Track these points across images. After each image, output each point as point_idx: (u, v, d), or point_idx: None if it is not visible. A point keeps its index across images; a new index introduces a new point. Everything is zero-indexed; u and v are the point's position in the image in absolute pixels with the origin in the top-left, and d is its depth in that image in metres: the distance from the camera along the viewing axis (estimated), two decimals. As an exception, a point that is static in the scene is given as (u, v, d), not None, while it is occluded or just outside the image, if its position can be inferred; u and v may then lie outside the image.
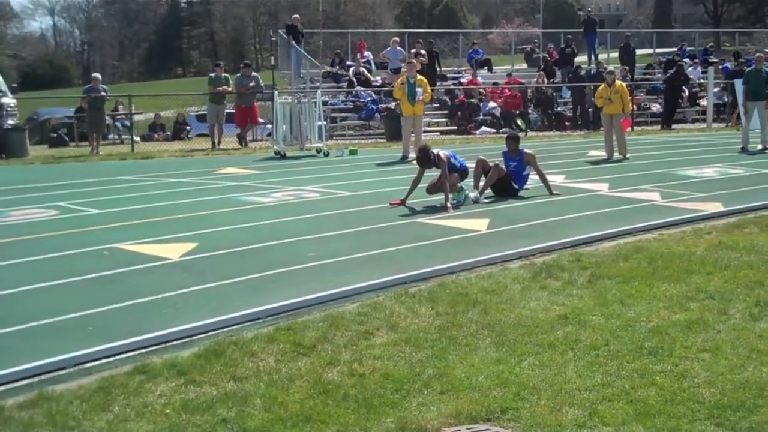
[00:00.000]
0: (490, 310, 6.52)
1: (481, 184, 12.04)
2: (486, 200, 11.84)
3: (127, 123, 25.38)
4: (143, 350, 5.86)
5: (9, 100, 21.98)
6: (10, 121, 21.22)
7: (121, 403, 4.94)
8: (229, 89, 22.33)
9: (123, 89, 46.37)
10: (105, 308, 6.74)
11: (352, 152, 18.89)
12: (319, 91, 21.07)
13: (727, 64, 30.74)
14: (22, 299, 7.14)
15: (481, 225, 10.00)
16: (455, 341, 5.87)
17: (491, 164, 12.15)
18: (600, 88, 17.99)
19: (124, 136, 25.54)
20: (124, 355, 5.76)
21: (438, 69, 29.16)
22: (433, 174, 11.81)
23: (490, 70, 32.56)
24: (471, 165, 12.20)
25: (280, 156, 18.23)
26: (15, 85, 25.56)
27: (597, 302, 6.69)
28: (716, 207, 10.93)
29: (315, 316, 6.55)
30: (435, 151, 11.70)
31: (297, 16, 30.20)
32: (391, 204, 11.38)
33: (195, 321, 6.36)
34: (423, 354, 5.64)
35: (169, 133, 28.51)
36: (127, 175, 15.48)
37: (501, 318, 6.34)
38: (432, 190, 11.70)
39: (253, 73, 23.00)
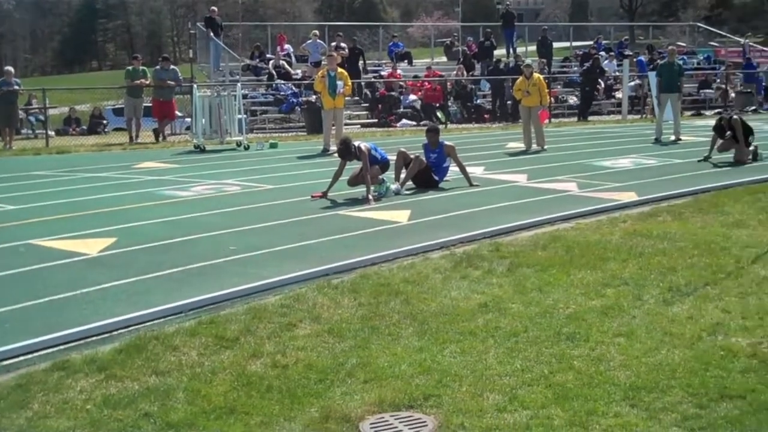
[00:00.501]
0: (412, 300, 6.60)
1: (402, 176, 12.12)
2: (407, 192, 11.92)
3: (41, 117, 24.79)
4: (62, 346, 5.79)
5: None
6: None
7: (40, 399, 4.86)
8: (147, 82, 21.98)
9: (36, 82, 45.17)
10: (22, 305, 6.62)
11: (273, 145, 18.80)
12: (238, 84, 20.91)
13: (642, 57, 31.46)
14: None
15: (402, 216, 10.08)
16: (378, 331, 5.93)
17: (412, 156, 12.24)
18: (518, 81, 18.24)
19: (38, 131, 24.92)
20: (42, 352, 5.67)
21: (362, 67, 29.10)
22: (354, 166, 11.85)
23: (410, 63, 32.72)
24: (392, 157, 12.27)
25: (200, 150, 18.04)
26: None
27: (516, 290, 6.82)
28: (631, 196, 11.21)
29: (237, 309, 6.53)
30: (356, 143, 11.74)
31: (215, 8, 29.88)
32: (312, 196, 11.39)
33: (115, 316, 6.30)
34: (346, 344, 5.69)
35: (84, 128, 27.87)
36: (42, 170, 15.13)
37: (423, 307, 6.42)
38: (353, 182, 11.74)
39: (172, 67, 22.67)
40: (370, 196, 11.19)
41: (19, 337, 5.83)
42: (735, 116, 15.16)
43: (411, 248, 8.39)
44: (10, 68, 22.50)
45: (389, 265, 7.84)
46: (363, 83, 27.71)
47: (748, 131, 14.66)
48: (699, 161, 14.59)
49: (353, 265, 7.80)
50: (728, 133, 14.72)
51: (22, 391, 5.00)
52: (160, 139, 21.30)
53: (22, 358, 5.57)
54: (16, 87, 21.38)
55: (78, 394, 4.93)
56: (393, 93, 27.29)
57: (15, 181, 13.84)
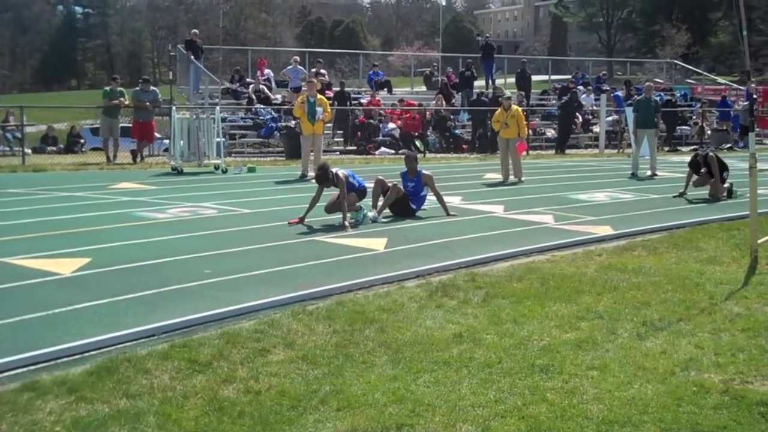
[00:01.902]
0: (387, 328, 6.59)
1: (380, 203, 12.14)
2: (384, 220, 11.94)
3: (18, 134, 24.66)
4: (32, 367, 5.71)
5: None
6: None
7: (8, 420, 4.80)
8: (126, 103, 21.92)
9: (14, 99, 45.07)
10: (-8, 324, 6.54)
11: (251, 169, 18.77)
12: (218, 108, 20.90)
13: (619, 92, 31.79)
14: None
15: (379, 244, 10.08)
16: (352, 358, 5.90)
17: (390, 184, 12.27)
18: (497, 112, 18.36)
19: (15, 148, 24.77)
20: (12, 372, 5.60)
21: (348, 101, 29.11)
22: (331, 193, 11.85)
23: (389, 91, 32.89)
24: (370, 185, 12.29)
25: (177, 172, 17.99)
26: None
27: (491, 321, 6.83)
28: (606, 230, 11.28)
29: (211, 333, 6.49)
30: (334, 170, 11.75)
31: (196, 31, 29.98)
32: (289, 223, 11.36)
33: (87, 337, 6.23)
34: (320, 371, 5.66)
35: (62, 146, 27.78)
36: (17, 188, 15.01)
37: (397, 336, 6.41)
38: (330, 209, 11.75)
39: (152, 88, 22.66)
40: (347, 223, 11.19)
41: (-11, 356, 5.76)
42: (711, 153, 15.33)
43: (387, 276, 8.39)
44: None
45: (365, 292, 7.82)
46: (349, 119, 27.74)
47: (724, 167, 14.81)
48: (674, 197, 14.72)
49: (329, 291, 7.79)
50: (703, 169, 14.87)
51: (-10, 411, 4.93)
52: (138, 160, 21.23)
53: (-10, 377, 5.50)
54: (-6, 104, 21.27)
55: (47, 416, 4.87)
56: (372, 121, 27.39)
57: (-11, 198, 13.72)
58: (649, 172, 18.57)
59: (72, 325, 6.60)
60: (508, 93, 22.04)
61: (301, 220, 11.39)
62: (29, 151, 24.09)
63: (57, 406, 5.02)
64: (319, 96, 17.98)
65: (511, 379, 5.49)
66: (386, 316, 6.93)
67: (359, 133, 26.93)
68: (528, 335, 6.44)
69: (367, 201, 12.20)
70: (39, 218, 11.77)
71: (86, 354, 5.99)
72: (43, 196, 14.15)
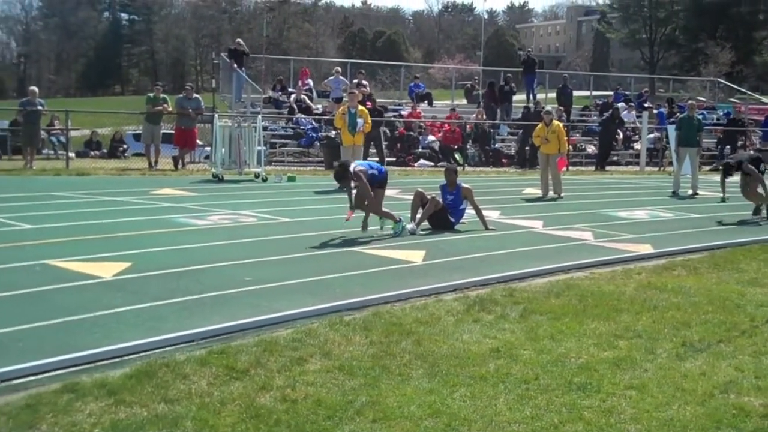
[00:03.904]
0: (424, 341, 6.58)
1: (418, 216, 12.14)
2: (422, 232, 11.93)
3: (63, 138, 25.00)
4: (73, 369, 5.78)
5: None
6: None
7: (49, 421, 4.86)
8: (169, 109, 22.17)
9: (59, 104, 45.69)
10: (35, 325, 6.63)
11: (291, 179, 18.88)
12: (259, 116, 21.06)
13: (662, 109, 31.54)
14: (-51, 313, 6.99)
15: (417, 256, 10.08)
16: (388, 370, 5.91)
17: (429, 197, 12.27)
18: (537, 127, 18.29)
19: (59, 152, 25.12)
20: (53, 373, 5.67)
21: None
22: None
23: (430, 104, 32.90)
24: (408, 196, 12.30)
25: (218, 179, 18.15)
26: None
27: (528, 337, 6.80)
28: (646, 249, 11.18)
29: (248, 340, 6.53)
30: (352, 167, 11.65)
31: (240, 40, 30.19)
32: (346, 219, 11.54)
33: (126, 341, 6.30)
34: (356, 382, 5.67)
35: (105, 151, 28.16)
36: (61, 191, 15.23)
37: (434, 349, 6.40)
38: (358, 204, 11.75)
39: (195, 96, 22.90)
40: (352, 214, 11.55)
41: (31, 356, 5.83)
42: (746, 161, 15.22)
43: (424, 289, 8.38)
44: (35, 88, 22.79)
45: (402, 304, 7.83)
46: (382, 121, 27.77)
47: (757, 162, 15.04)
48: (719, 202, 15.43)
49: (366, 302, 7.80)
50: (737, 173, 14.97)
51: (31, 411, 4.99)
52: (179, 166, 21.44)
53: (32, 378, 5.57)
54: (40, 107, 21.62)
55: (87, 418, 4.93)
56: (412, 133, 27.42)
57: (34, 200, 13.94)
58: (690, 191, 18.40)
59: (112, 328, 6.68)
60: (548, 107, 21.95)
61: (353, 211, 11.64)
62: (73, 155, 24.42)
63: (96, 408, 5.07)
64: (360, 107, 18.05)
65: (548, 396, 5.46)
66: (423, 329, 6.93)
67: (399, 144, 26.97)
68: (565, 352, 6.40)
69: (406, 213, 12.21)
70: (81, 222, 11.94)
71: (126, 357, 6.05)
72: (86, 200, 14.34)
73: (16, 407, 5.05)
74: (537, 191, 17.72)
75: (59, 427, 4.79)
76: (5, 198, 14.18)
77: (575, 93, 34.71)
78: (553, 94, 33.91)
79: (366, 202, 11.57)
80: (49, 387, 5.42)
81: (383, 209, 11.73)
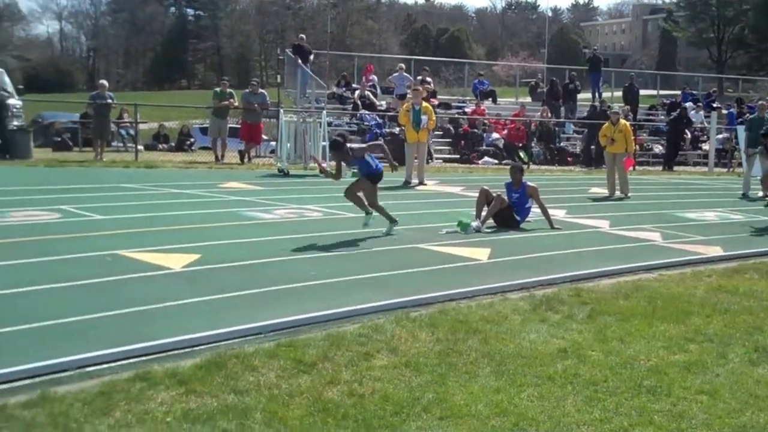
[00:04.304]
0: (490, 339, 6.56)
1: (483, 213, 12.10)
2: (487, 230, 11.88)
3: (132, 131, 25.43)
4: (144, 357, 5.87)
5: (15, 101, 22.02)
6: (15, 123, 21.26)
7: (122, 408, 4.95)
8: (235, 104, 22.42)
9: (127, 97, 46.46)
10: (107, 314, 6.76)
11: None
12: (324, 112, 21.16)
13: (732, 110, 30.94)
14: (27, 299, 7.17)
15: (482, 254, 10.04)
16: (455, 368, 5.89)
17: (494, 195, 12.21)
18: (604, 126, 18.08)
19: (128, 144, 25.56)
20: (125, 361, 5.77)
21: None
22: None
23: (494, 101, 32.76)
24: (474, 194, 12.25)
25: (284, 174, 18.29)
26: (21, 87, 25.56)
27: (596, 338, 6.73)
28: (716, 251, 10.98)
29: (316, 334, 6.56)
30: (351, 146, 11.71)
31: (303, 36, 30.39)
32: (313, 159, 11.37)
33: (196, 332, 6.37)
34: (422, 378, 5.66)
35: (172, 144, 28.59)
36: (130, 183, 15.52)
37: (501, 348, 6.37)
38: (351, 196, 11.45)
39: (261, 91, 23.11)
40: (324, 165, 11.97)
41: (104, 344, 5.94)
42: None
43: (490, 287, 8.34)
44: (105, 82, 23.26)
45: (468, 302, 7.80)
46: (446, 118, 27.73)
47: None
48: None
49: (432, 299, 7.79)
50: None
51: (105, 398, 5.09)
52: (245, 160, 21.67)
53: (105, 366, 5.67)
54: (110, 101, 22.03)
55: (158, 406, 5.01)
56: (476, 130, 27.33)
57: (104, 191, 14.22)
58: (760, 193, 18.02)
59: (182, 318, 6.77)
60: (616, 107, 21.68)
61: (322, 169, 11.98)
62: (141, 147, 24.84)
63: (168, 397, 5.15)
64: (424, 104, 18.05)
65: (617, 399, 5.40)
66: (489, 327, 6.90)
67: (463, 142, 26.90)
68: (635, 354, 6.32)
69: (470, 210, 12.17)
70: (151, 213, 12.14)
71: (195, 348, 6.13)
72: (155, 192, 14.58)
73: (90, 394, 5.15)
74: (603, 191, 17.52)
75: (132, 414, 4.88)
76: (77, 189, 14.49)
77: (642, 92, 34.23)
78: (618, 93, 33.53)
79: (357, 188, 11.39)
80: (121, 375, 5.51)
81: (357, 196, 11.37)
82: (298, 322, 6.86)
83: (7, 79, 22.82)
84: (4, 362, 5.48)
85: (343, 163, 11.47)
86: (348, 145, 11.31)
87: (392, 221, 11.27)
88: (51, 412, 4.83)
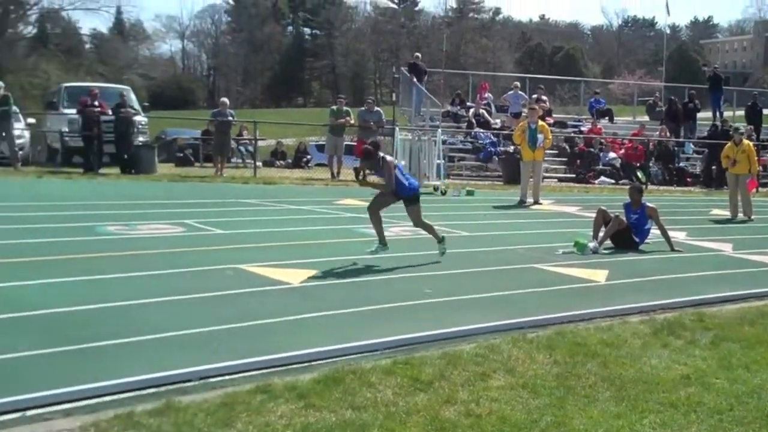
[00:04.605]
0: (610, 364, 6.43)
1: (601, 234, 11.90)
2: (605, 251, 11.68)
3: (251, 148, 26.03)
4: (264, 370, 5.97)
5: (141, 118, 22.93)
6: (141, 139, 22.16)
7: (243, 420, 5.05)
8: (351, 120, 22.71)
9: (245, 115, 47.57)
10: (228, 326, 6.92)
11: (469, 193, 18.93)
12: (439, 130, 21.24)
13: None
14: (151, 311, 7.40)
15: (599, 276, 9.88)
16: (573, 391, 5.80)
17: (612, 215, 12.00)
18: (726, 147, 17.57)
19: (247, 161, 26.18)
20: (246, 374, 5.88)
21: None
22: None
23: (611, 120, 32.22)
24: (591, 215, 12.07)
25: (398, 191, 18.38)
26: (146, 104, 26.53)
27: (721, 365, 6.52)
28: None
29: (432, 352, 6.56)
30: (385, 155, 10.60)
31: (419, 54, 30.58)
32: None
33: (314, 346, 6.46)
34: (540, 401, 5.60)
35: (290, 161, 29.13)
36: (249, 198, 15.88)
37: (621, 372, 6.24)
38: (374, 211, 10.68)
39: (377, 109, 23.36)
40: (374, 179, 10.61)
41: (226, 357, 6.08)
42: None
43: (609, 309, 8.19)
44: (226, 100, 23.90)
45: (586, 324, 7.68)
46: (562, 137, 27.45)
47: None
48: None
49: (549, 320, 7.70)
50: None
51: (227, 409, 5.20)
52: (360, 177, 21.86)
53: (227, 377, 5.80)
54: (230, 118, 22.63)
55: (279, 419, 5.09)
56: (592, 149, 26.93)
57: (224, 206, 14.61)
58: None
59: (300, 333, 6.88)
60: (740, 128, 21.02)
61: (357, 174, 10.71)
62: (260, 164, 25.40)
63: (288, 410, 5.23)
64: (540, 123, 17.91)
65: (743, 429, 5.22)
66: (609, 351, 6.77)
67: (579, 161, 26.55)
68: (761, 384, 6.10)
69: (587, 230, 11.99)
70: (269, 228, 12.40)
71: (314, 362, 6.21)
72: (273, 208, 14.88)
73: (213, 404, 5.27)
74: (725, 212, 17.01)
75: (253, 426, 4.97)
76: (198, 204, 14.93)
77: (765, 111, 33.09)
78: (741, 112, 32.47)
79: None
80: (243, 387, 5.62)
81: (378, 216, 10.58)
82: (414, 340, 6.87)
83: (133, 97, 23.77)
84: (132, 370, 5.67)
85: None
86: (381, 155, 10.37)
87: (440, 240, 10.66)
88: (176, 422, 4.96)
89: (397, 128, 21.41)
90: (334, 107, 23.41)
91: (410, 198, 10.52)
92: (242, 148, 27.41)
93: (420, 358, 6.36)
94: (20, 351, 5.99)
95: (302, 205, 15.25)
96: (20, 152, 21.89)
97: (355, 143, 23.56)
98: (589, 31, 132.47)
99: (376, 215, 10.57)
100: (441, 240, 10.64)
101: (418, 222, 10.66)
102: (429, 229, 10.71)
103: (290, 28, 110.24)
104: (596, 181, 24.89)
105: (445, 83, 38.53)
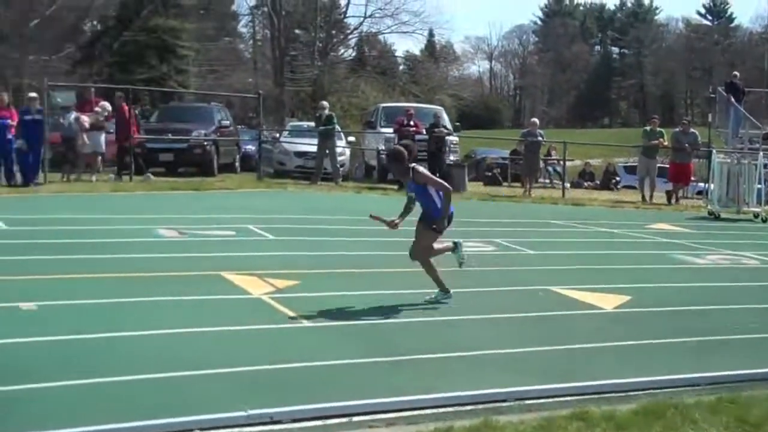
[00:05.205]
0: None
1: None
2: None
3: (559, 168, 25.90)
4: (579, 396, 5.87)
5: (452, 137, 23.57)
6: (452, 158, 22.78)
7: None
8: (665, 142, 21.96)
9: (551, 134, 47.44)
10: (542, 348, 6.90)
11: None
12: (760, 153, 19.93)
13: None
14: (465, 328, 7.57)
15: None
16: None
17: None
18: None
19: (554, 181, 26.08)
20: (561, 398, 5.82)
21: None
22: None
23: None
24: None
25: (714, 217, 17.54)
26: (458, 123, 27.23)
27: None
28: None
29: (759, 392, 6.15)
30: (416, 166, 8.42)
31: (737, 73, 28.91)
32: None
33: (631, 376, 6.27)
34: None
35: (597, 182, 28.68)
36: (557, 220, 15.79)
37: None
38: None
39: (692, 130, 22.41)
40: (397, 221, 8.45)
41: (540, 379, 6.06)
42: None
43: None
44: (536, 120, 24.11)
45: None
46: None
47: None
48: None
49: None
50: None
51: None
52: (673, 201, 21.12)
53: (543, 400, 5.77)
54: (540, 138, 22.68)
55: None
56: None
57: (533, 227, 14.64)
58: None
59: (615, 361, 6.71)
60: None
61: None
62: (568, 185, 25.22)
63: (605, 440, 5.12)
64: None
65: None
66: None
67: None
68: None
69: None
70: (579, 251, 12.27)
71: (631, 393, 6.02)
72: (582, 230, 14.70)
73: (529, 426, 5.25)
74: None
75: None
76: (508, 223, 15.08)
77: None
78: None
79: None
80: (559, 411, 5.55)
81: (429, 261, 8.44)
82: (739, 377, 6.47)
83: (446, 117, 24.50)
84: (451, 386, 5.80)
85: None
86: (414, 165, 8.37)
87: (445, 291, 8.36)
88: (494, 440, 5.02)
89: (713, 151, 20.37)
90: (648, 128, 22.73)
91: (437, 223, 8.45)
92: (550, 168, 27.32)
93: (746, 397, 5.97)
94: (345, 359, 6.33)
95: (613, 228, 14.93)
96: (341, 168, 23.25)
97: (667, 166, 22.71)
98: None
99: (426, 263, 8.44)
100: (446, 291, 8.36)
101: (419, 255, 8.44)
102: (430, 270, 8.42)
103: (598, 47, 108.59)
104: None
105: (766, 103, 36.08)
